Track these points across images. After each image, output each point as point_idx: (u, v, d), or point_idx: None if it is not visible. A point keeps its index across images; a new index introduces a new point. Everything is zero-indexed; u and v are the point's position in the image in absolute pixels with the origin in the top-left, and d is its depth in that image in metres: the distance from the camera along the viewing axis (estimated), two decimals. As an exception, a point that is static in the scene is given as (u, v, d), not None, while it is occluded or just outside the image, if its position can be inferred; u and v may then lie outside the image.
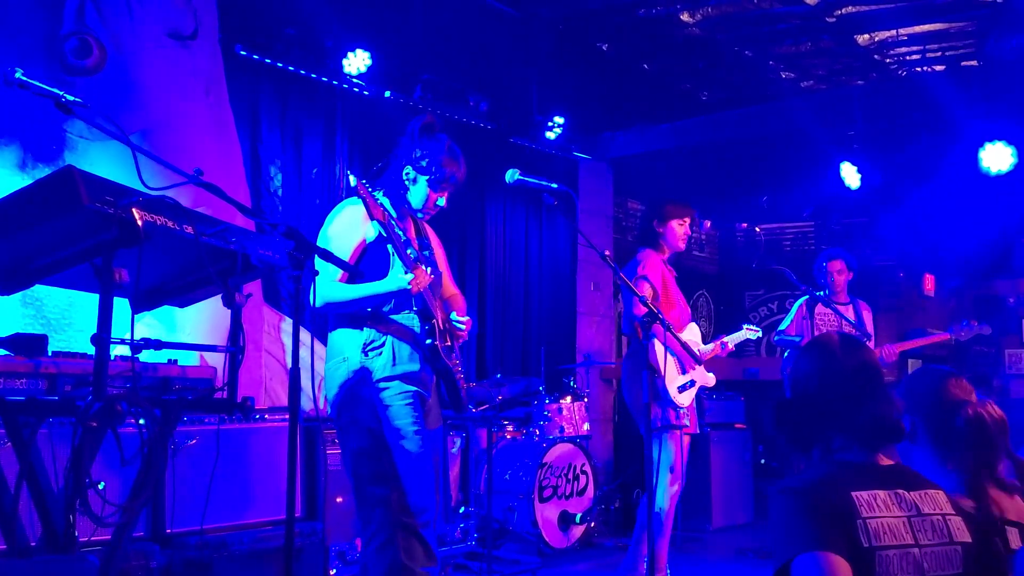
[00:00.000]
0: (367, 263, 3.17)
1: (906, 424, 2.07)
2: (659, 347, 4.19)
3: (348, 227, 3.18)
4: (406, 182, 3.27)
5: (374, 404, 3.10)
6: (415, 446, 3.08)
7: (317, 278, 2.99)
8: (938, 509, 1.82)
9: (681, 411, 4.37)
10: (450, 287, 3.50)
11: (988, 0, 6.70)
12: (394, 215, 3.20)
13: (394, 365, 3.13)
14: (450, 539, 5.13)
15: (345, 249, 3.14)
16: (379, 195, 3.13)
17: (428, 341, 3.14)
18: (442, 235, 3.62)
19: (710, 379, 4.59)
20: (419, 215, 3.34)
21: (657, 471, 4.25)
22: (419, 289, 3.02)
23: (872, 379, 1.93)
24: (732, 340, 4.75)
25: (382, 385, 3.11)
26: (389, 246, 3.06)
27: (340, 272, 3.06)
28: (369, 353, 3.13)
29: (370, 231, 3.13)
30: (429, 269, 3.14)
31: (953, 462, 2.07)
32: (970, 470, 2.04)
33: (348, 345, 3.15)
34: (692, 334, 4.57)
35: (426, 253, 3.32)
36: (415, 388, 3.14)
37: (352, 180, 2.91)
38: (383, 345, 3.13)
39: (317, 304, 3.08)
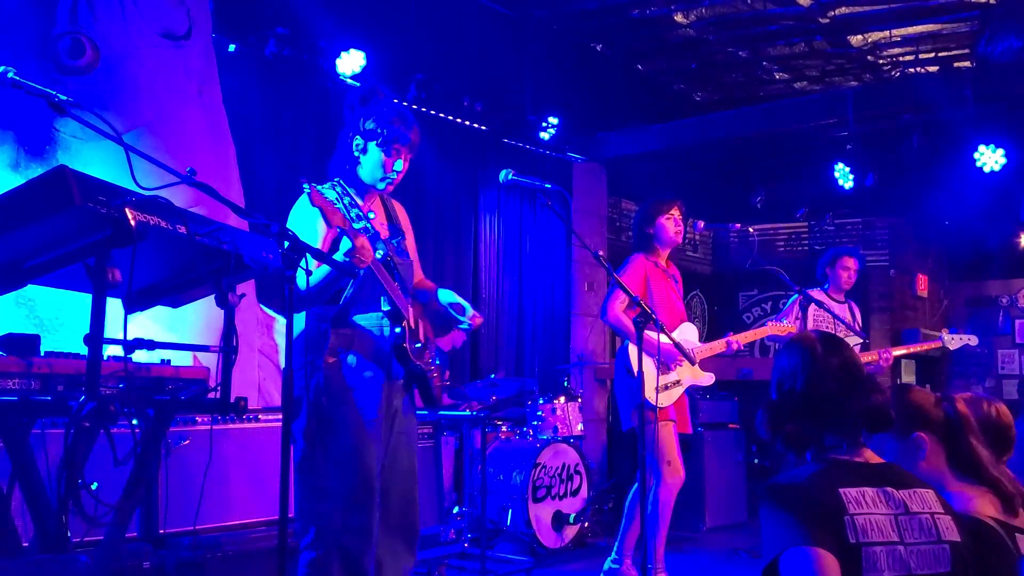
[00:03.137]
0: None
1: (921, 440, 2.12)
2: (633, 349, 4.25)
3: (311, 221, 2.97)
4: (356, 154, 3.07)
5: (330, 417, 2.91)
6: (363, 465, 2.89)
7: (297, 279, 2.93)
8: (927, 508, 1.82)
9: (659, 409, 4.39)
10: (418, 273, 3.31)
11: (981, 2, 6.72)
12: (359, 200, 3.06)
13: (358, 372, 2.96)
14: (444, 539, 5.13)
15: (315, 240, 2.95)
16: (328, 189, 2.99)
17: (397, 344, 2.97)
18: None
19: (704, 379, 4.61)
20: (379, 186, 3.11)
21: (649, 467, 4.27)
22: (363, 262, 2.74)
23: (854, 375, 1.94)
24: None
25: (342, 395, 2.92)
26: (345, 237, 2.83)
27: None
28: (332, 360, 2.95)
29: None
30: (379, 250, 2.91)
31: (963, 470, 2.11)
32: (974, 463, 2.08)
33: (311, 349, 2.95)
34: (684, 334, 4.61)
35: (394, 242, 3.16)
36: (380, 398, 2.96)
37: (306, 188, 2.70)
38: (347, 351, 2.97)
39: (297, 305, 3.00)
